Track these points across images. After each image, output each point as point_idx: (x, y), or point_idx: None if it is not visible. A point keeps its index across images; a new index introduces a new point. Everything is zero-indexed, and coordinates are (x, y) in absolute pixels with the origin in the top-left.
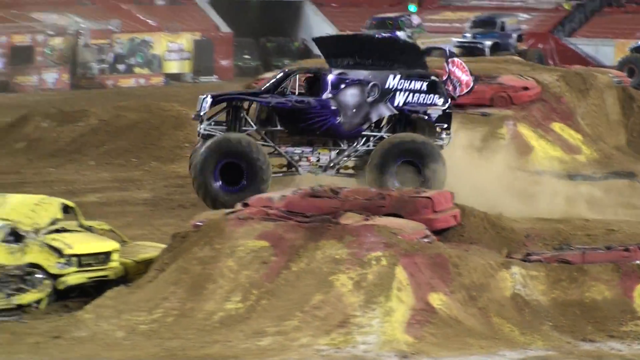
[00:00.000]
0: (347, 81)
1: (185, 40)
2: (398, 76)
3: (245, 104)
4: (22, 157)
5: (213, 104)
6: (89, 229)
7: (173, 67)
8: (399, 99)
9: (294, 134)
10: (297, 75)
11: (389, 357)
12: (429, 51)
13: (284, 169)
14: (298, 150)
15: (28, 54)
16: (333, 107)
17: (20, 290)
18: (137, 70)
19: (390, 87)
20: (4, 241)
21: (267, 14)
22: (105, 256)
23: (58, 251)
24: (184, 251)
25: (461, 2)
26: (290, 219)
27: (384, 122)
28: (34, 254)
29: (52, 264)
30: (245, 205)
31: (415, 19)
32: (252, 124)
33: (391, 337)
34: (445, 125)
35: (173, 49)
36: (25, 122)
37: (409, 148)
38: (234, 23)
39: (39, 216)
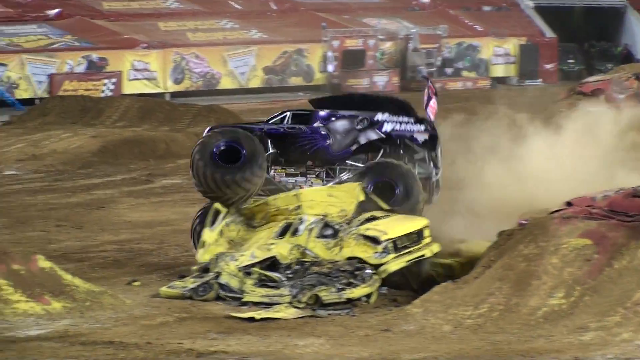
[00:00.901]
0: (338, 115)
1: (511, 45)
2: (387, 113)
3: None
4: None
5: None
6: (392, 212)
7: (499, 70)
8: (387, 127)
9: (286, 156)
10: (290, 114)
11: None
12: None
13: None
14: (292, 180)
15: (360, 57)
16: (323, 132)
17: (350, 285)
18: (464, 73)
19: (379, 119)
20: (320, 236)
21: (590, 20)
22: (418, 235)
23: (374, 240)
24: (509, 248)
25: None
26: (613, 218)
27: (378, 153)
28: (351, 247)
29: (370, 255)
30: (569, 204)
31: None
32: None
33: None
34: (432, 148)
35: (499, 53)
36: None
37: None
38: (558, 28)
39: (343, 203)
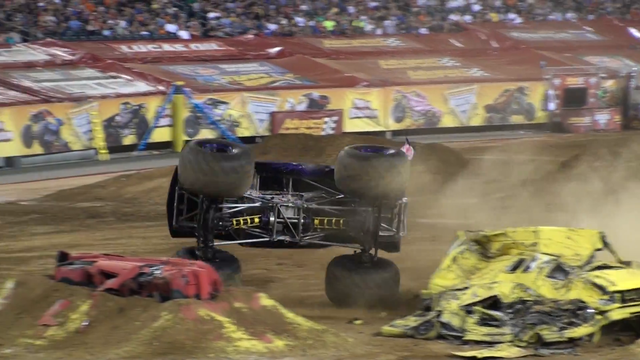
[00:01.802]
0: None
1: None
2: None
3: None
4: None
5: None
6: (627, 264)
7: None
8: None
9: (262, 174)
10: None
11: None
12: None
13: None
14: (269, 197)
15: (581, 95)
16: (294, 163)
17: (572, 324)
18: None
19: None
20: (549, 276)
21: None
22: None
23: (602, 288)
24: None
25: None
26: None
27: None
28: (578, 291)
29: (595, 300)
30: None
31: None
32: None
33: None
34: None
35: None
36: (577, 162)
37: None
38: None
39: (579, 247)
